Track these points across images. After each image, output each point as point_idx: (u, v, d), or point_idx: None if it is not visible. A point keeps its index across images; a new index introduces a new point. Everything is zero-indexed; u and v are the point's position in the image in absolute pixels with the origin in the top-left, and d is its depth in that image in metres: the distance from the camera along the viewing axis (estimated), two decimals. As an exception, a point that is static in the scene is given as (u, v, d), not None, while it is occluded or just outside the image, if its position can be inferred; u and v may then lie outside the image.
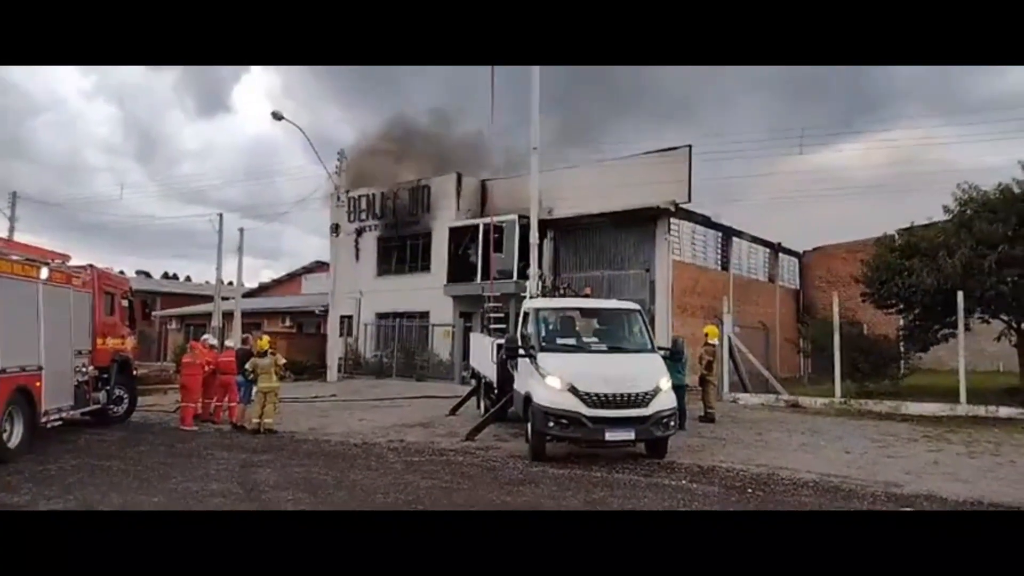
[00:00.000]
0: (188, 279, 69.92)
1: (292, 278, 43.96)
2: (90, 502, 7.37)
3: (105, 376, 13.30)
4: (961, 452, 10.81)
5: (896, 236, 18.77)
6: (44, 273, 10.88)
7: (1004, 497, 7.85)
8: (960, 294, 15.28)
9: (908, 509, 7.41)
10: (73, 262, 13.00)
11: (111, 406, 13.50)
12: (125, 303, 14.71)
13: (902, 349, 18.88)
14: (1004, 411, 14.54)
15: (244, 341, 14.93)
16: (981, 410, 14.70)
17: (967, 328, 15.92)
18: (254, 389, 12.96)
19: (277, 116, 22.67)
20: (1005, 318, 17.04)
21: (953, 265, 15.42)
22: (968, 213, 16.73)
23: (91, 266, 13.27)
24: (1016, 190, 16.21)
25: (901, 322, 19.48)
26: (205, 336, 14.98)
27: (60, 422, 11.30)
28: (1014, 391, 16.49)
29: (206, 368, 13.69)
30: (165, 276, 74.14)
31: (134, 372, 14.95)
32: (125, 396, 14.12)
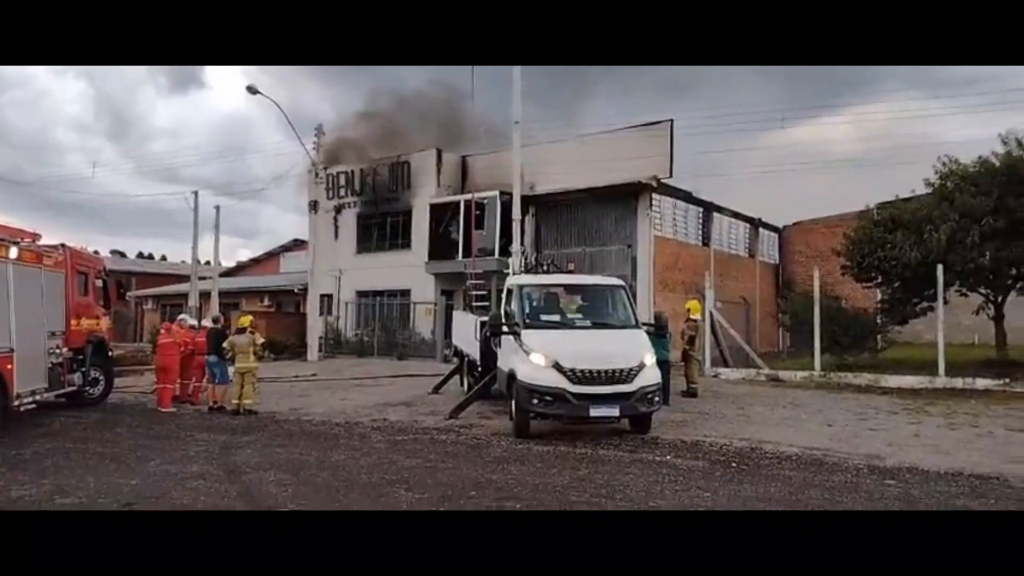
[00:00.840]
0: (164, 259, 68.99)
1: (270, 257, 43.51)
2: (65, 487, 7.20)
3: (80, 358, 13.05)
4: (941, 424, 10.93)
5: (876, 210, 18.84)
6: (13, 253, 10.59)
7: (984, 468, 7.93)
8: (940, 267, 15.38)
9: (895, 503, 7.46)
10: (45, 241, 12.70)
11: (87, 388, 13.26)
12: (99, 283, 14.40)
13: (880, 322, 19.05)
14: (981, 383, 14.72)
15: (216, 320, 14.66)
16: (959, 382, 14.88)
17: (946, 302, 16.05)
18: (231, 369, 12.76)
19: (252, 90, 22.18)
20: (983, 291, 17.22)
21: (938, 239, 15.50)
22: (949, 186, 16.81)
23: (63, 245, 12.95)
24: (996, 163, 16.30)
25: (879, 296, 19.64)
26: (182, 316, 14.71)
27: (34, 405, 11.08)
28: (990, 363, 16.73)
29: (183, 348, 13.45)
30: (140, 256, 72.97)
31: (110, 353, 14.69)
32: (101, 378, 13.88)
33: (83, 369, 13.06)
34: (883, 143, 53.55)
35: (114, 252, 58.50)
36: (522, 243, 14.99)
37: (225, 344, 12.84)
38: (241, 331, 12.91)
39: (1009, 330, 17.47)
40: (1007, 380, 14.61)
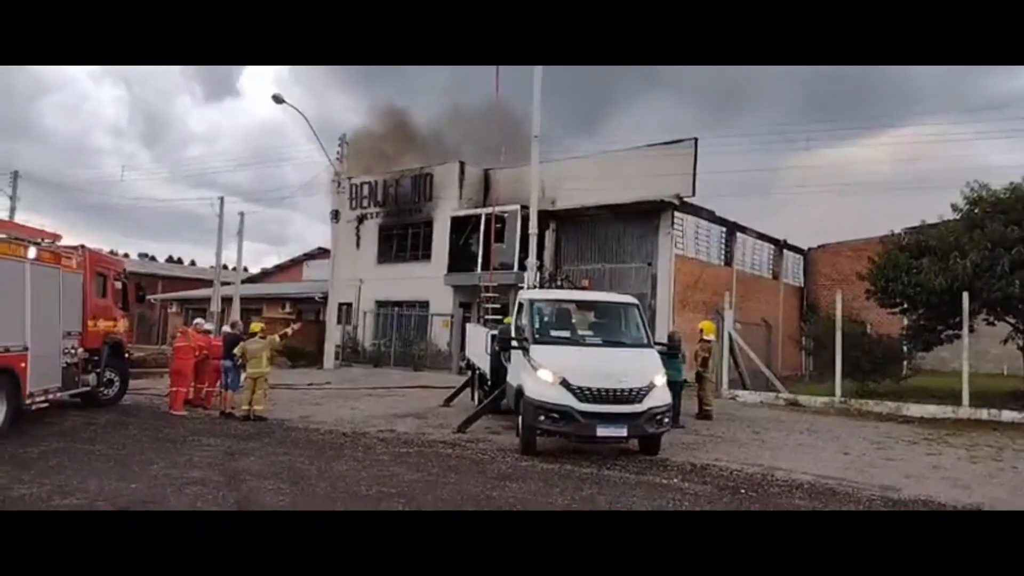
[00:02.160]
0: (193, 263, 70.02)
1: (294, 264, 43.83)
2: (65, 487, 7.20)
3: (96, 358, 13.14)
4: (962, 456, 10.58)
5: (903, 234, 18.45)
6: (32, 253, 10.70)
7: (1003, 504, 7.64)
8: (966, 295, 14.99)
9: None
10: (72, 243, 12.88)
11: (101, 389, 13.34)
12: (119, 285, 14.53)
13: (905, 349, 18.62)
14: (1007, 415, 14.28)
15: (233, 325, 14.72)
16: (983, 413, 14.46)
17: (971, 330, 15.64)
18: (242, 375, 12.78)
19: (278, 99, 22.43)
20: (1011, 320, 16.75)
21: (964, 266, 15.11)
22: (977, 212, 16.42)
23: (82, 246, 13.09)
24: (1027, 189, 15.91)
25: (905, 322, 19.20)
26: (198, 320, 14.79)
27: (46, 404, 11.15)
28: (1018, 394, 16.24)
29: (198, 352, 13.51)
30: (170, 260, 74.25)
31: (126, 355, 14.79)
32: (116, 379, 13.94)
33: (98, 370, 13.15)
34: (912, 167, 52.82)
35: (142, 255, 59.64)
36: (541, 258, 14.99)
37: (236, 350, 12.86)
38: (254, 336, 12.94)
39: (1038, 362, 16.97)
40: (1034, 413, 14.16)
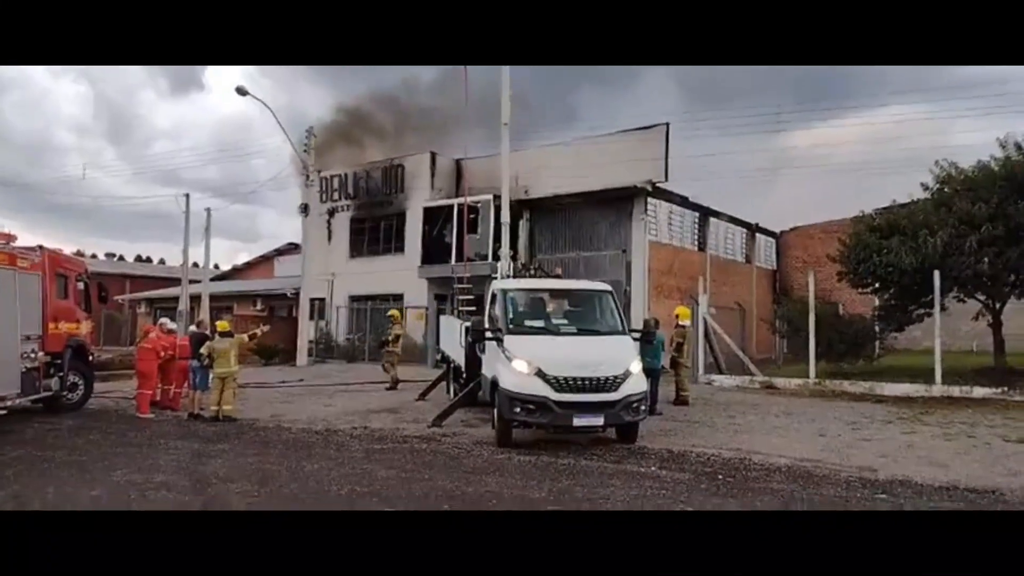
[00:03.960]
0: (162, 262, 68.77)
1: (265, 260, 43.21)
2: (21, 496, 6.91)
3: (58, 362, 12.75)
4: (936, 434, 10.63)
5: (874, 215, 18.56)
6: (-17, 254, 10.31)
7: (980, 481, 7.63)
8: (937, 273, 15.10)
9: (883, 498, 7.16)
10: (37, 244, 12.47)
11: (65, 393, 12.97)
12: (80, 286, 14.12)
13: (877, 329, 18.77)
14: (979, 391, 14.43)
15: (199, 324, 14.38)
16: (956, 391, 14.60)
17: (943, 308, 15.78)
18: (210, 374, 12.47)
19: (242, 92, 21.96)
20: (981, 298, 16.93)
21: (934, 244, 15.22)
22: (947, 191, 16.54)
23: (40, 247, 12.66)
24: (995, 168, 16.02)
25: (876, 302, 19.35)
26: (163, 320, 14.40)
27: (4, 411, 10.80)
28: (988, 371, 16.44)
29: (163, 353, 13.15)
30: (138, 259, 72.88)
31: (90, 357, 14.40)
32: (80, 382, 13.57)
33: (61, 374, 12.77)
34: (882, 148, 53.33)
35: (109, 255, 58.44)
36: (515, 248, 14.81)
37: (203, 349, 12.53)
38: (226, 334, 12.63)
39: (1007, 337, 17.17)
40: (1005, 389, 14.32)
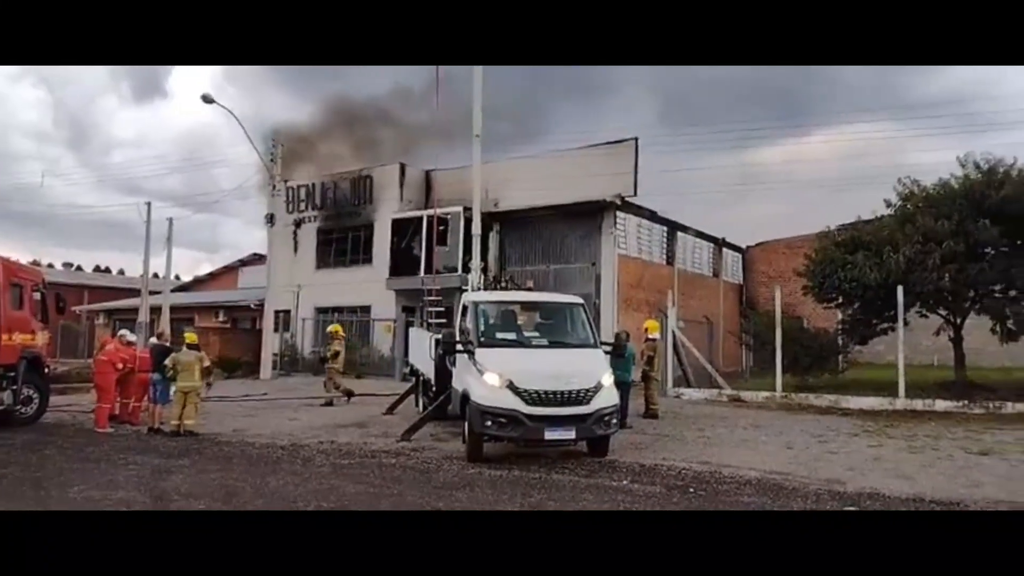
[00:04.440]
0: (122, 272, 67.30)
1: (228, 271, 42.46)
2: (-30, 516, 6.59)
3: (11, 374, 12.35)
4: (901, 447, 10.76)
5: (838, 231, 18.88)
6: (-68, 262, 9.92)
7: (945, 493, 7.73)
8: (900, 289, 15.39)
9: (852, 508, 7.20)
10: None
11: (18, 407, 12.53)
12: (37, 296, 13.69)
13: (841, 343, 19.05)
14: (941, 404, 14.70)
15: (159, 336, 14.04)
16: (919, 404, 14.85)
17: (905, 323, 16.07)
18: (172, 388, 12.14)
19: (207, 99, 21.60)
20: (943, 313, 17.29)
21: (897, 260, 15.51)
22: (909, 208, 16.89)
23: (-7, 256, 12.27)
24: (955, 186, 16.42)
25: (840, 316, 19.66)
26: (122, 332, 14.00)
27: (-47, 426, 10.37)
28: (950, 385, 16.76)
29: (121, 366, 12.75)
30: (97, 269, 71.18)
31: (46, 370, 13.96)
32: (35, 396, 13.15)
33: (15, 387, 12.35)
34: (846, 165, 54.58)
35: (67, 265, 56.98)
36: (485, 260, 14.72)
37: (167, 361, 12.21)
38: (193, 346, 12.33)
39: (967, 351, 17.55)
40: (966, 402, 14.61)
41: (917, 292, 15.81)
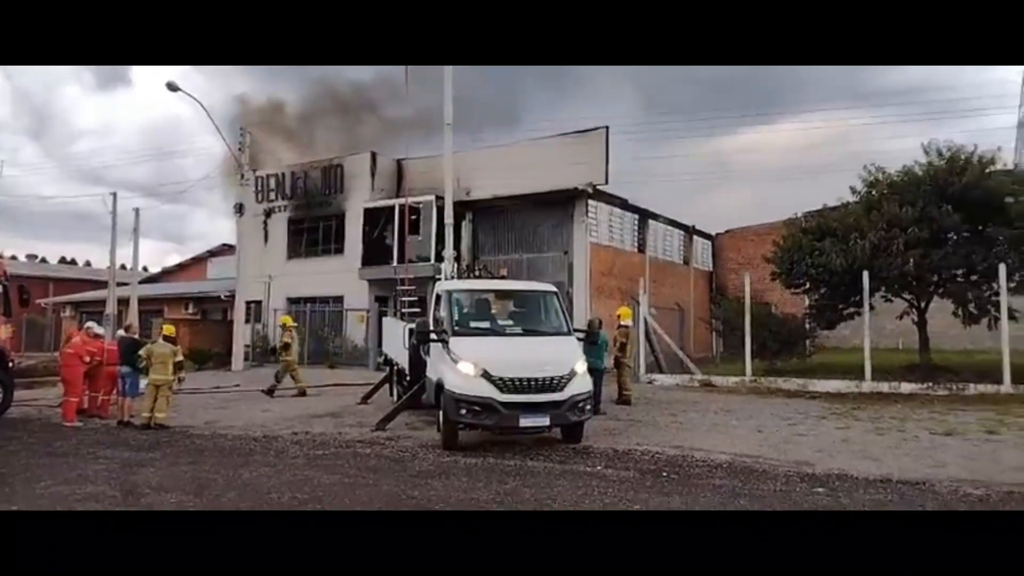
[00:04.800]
0: (88, 264, 65.85)
1: (197, 262, 41.85)
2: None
3: (-27, 369, 12.08)
4: (868, 429, 11.00)
5: (805, 218, 19.16)
6: None
7: (911, 473, 7.92)
8: (866, 274, 15.68)
9: (819, 491, 7.35)
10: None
11: (-19, 402, 12.28)
12: (-1, 289, 13.41)
13: (808, 327, 19.37)
14: (906, 387, 15.05)
15: (127, 328, 13.82)
16: (885, 386, 15.18)
17: (871, 307, 16.39)
18: (142, 381, 11.97)
19: (172, 87, 21.16)
20: (907, 297, 17.65)
21: (863, 247, 15.79)
22: (874, 195, 17.19)
23: (-47, 248, 11.94)
24: (919, 172, 16.74)
25: (808, 302, 19.98)
26: (89, 324, 13.75)
27: (-87, 422, 10.12)
28: (914, 367, 17.15)
29: (88, 359, 12.53)
30: (63, 261, 69.54)
31: (10, 363, 13.69)
32: (-2, 391, 12.89)
33: (-24, 382, 12.09)
34: (812, 153, 55.31)
35: (31, 256, 55.60)
36: (458, 249, 14.68)
37: (141, 351, 12.03)
38: (169, 339, 12.16)
39: (931, 335, 17.96)
40: (930, 384, 14.98)
41: (882, 277, 16.12)
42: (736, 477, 7.95)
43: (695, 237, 30.86)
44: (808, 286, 18.53)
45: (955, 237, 16.25)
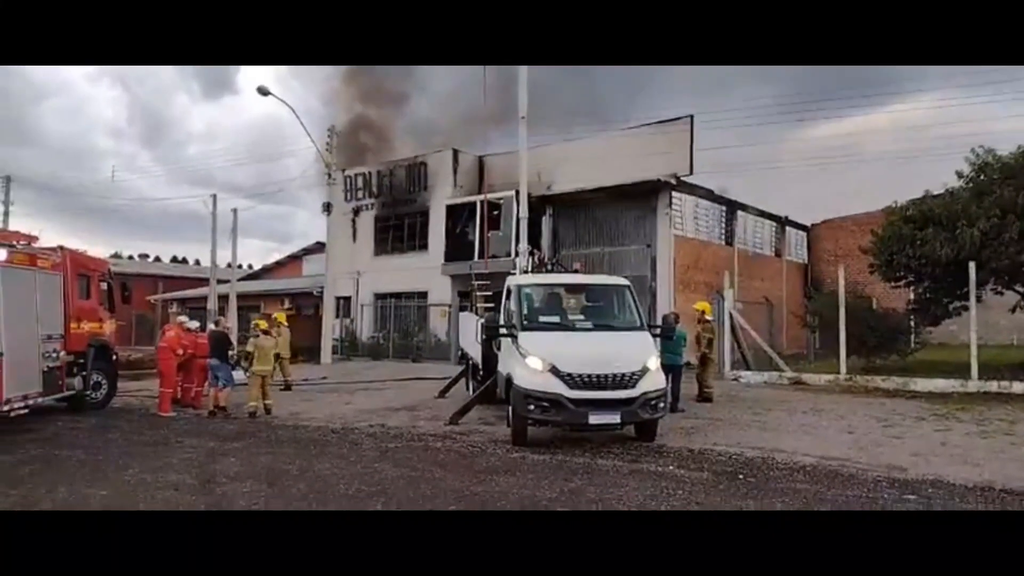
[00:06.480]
0: (197, 262, 69.75)
1: (293, 259, 43.54)
2: (31, 497, 6.89)
3: (81, 361, 12.87)
4: (971, 431, 10.18)
5: (906, 206, 17.97)
6: (2, 255, 10.39)
7: (1017, 482, 7.22)
8: (972, 265, 14.54)
9: (911, 499, 6.82)
10: (58, 245, 12.63)
11: (88, 392, 13.07)
12: (103, 286, 14.24)
13: (911, 323, 18.19)
14: (1018, 387, 13.87)
15: (217, 323, 14.46)
16: (993, 386, 14.05)
17: (979, 300, 15.19)
18: (235, 373, 12.54)
19: (263, 92, 22.02)
20: (1020, 289, 16.29)
21: (972, 235, 14.64)
22: (984, 179, 15.92)
23: (60, 247, 12.78)
24: (1035, 155, 15.40)
25: (911, 295, 18.77)
26: (182, 318, 14.46)
27: (26, 410, 10.88)
28: (1028, 365, 15.82)
29: (182, 352, 13.17)
30: (174, 260, 74.04)
31: (114, 356, 14.52)
32: (104, 382, 13.68)
33: (84, 373, 12.88)
34: (914, 136, 51.97)
35: (143, 256, 59.44)
36: (539, 244, 14.55)
37: (249, 347, 12.71)
38: (266, 333, 12.84)
39: (1049, 331, 16.54)
40: (1046, 384, 13.75)
41: (992, 268, 14.91)
42: (819, 482, 7.49)
43: (788, 228, 29.60)
44: (910, 278, 17.39)
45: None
